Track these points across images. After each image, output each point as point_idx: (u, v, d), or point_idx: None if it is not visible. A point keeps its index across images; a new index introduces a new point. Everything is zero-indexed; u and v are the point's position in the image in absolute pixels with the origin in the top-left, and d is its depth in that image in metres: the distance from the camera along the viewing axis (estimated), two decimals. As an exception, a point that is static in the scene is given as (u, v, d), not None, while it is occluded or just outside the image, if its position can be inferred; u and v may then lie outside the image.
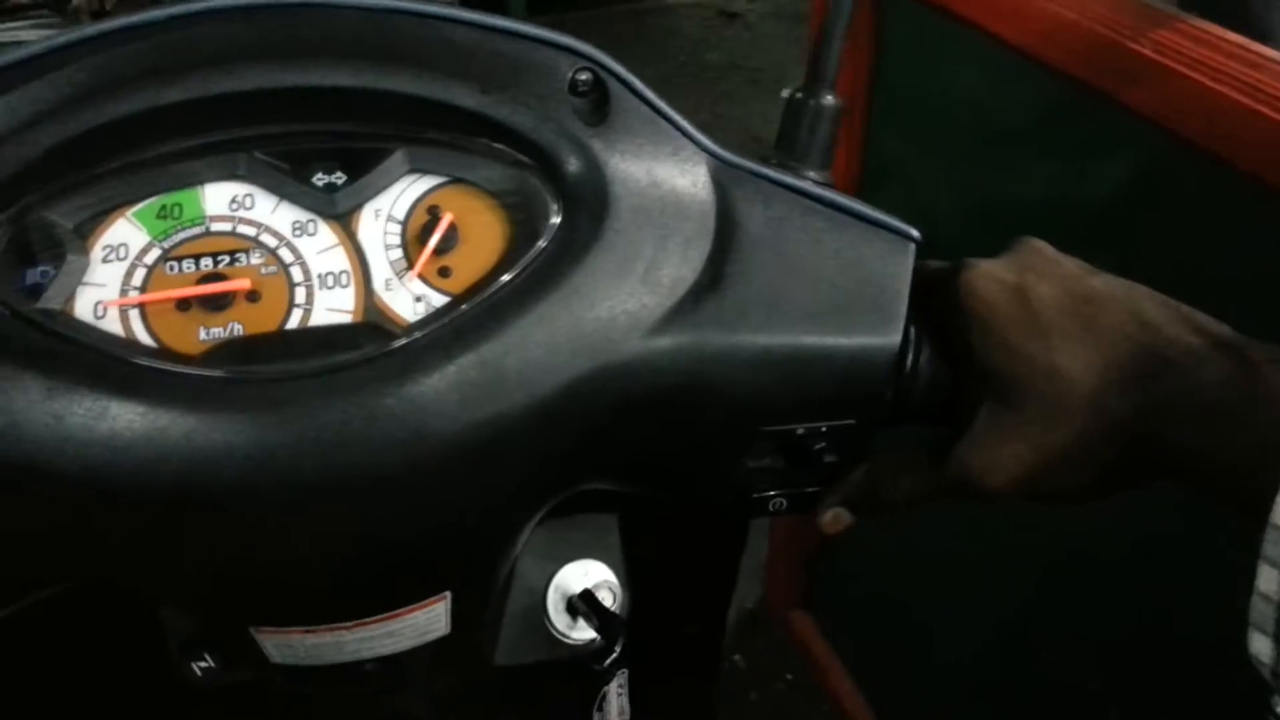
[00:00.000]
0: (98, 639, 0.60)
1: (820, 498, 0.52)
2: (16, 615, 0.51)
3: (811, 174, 0.50)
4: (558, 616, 0.61)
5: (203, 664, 0.57)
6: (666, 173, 0.46)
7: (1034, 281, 0.45)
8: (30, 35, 1.74)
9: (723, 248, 0.46)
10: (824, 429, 0.48)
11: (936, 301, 0.48)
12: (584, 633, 0.60)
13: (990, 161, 1.16)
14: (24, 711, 0.62)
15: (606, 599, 0.60)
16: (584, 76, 0.46)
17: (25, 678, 0.60)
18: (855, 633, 1.64)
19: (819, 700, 1.67)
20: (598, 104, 0.46)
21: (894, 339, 0.47)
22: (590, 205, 0.45)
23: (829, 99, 0.50)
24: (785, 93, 0.52)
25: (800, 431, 0.48)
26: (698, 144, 0.47)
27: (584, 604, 0.59)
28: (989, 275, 0.46)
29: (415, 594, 0.48)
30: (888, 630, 1.55)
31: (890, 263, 0.48)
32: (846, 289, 0.47)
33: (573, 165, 0.45)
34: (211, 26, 0.43)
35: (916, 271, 0.48)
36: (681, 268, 0.45)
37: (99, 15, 2.10)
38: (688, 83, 3.77)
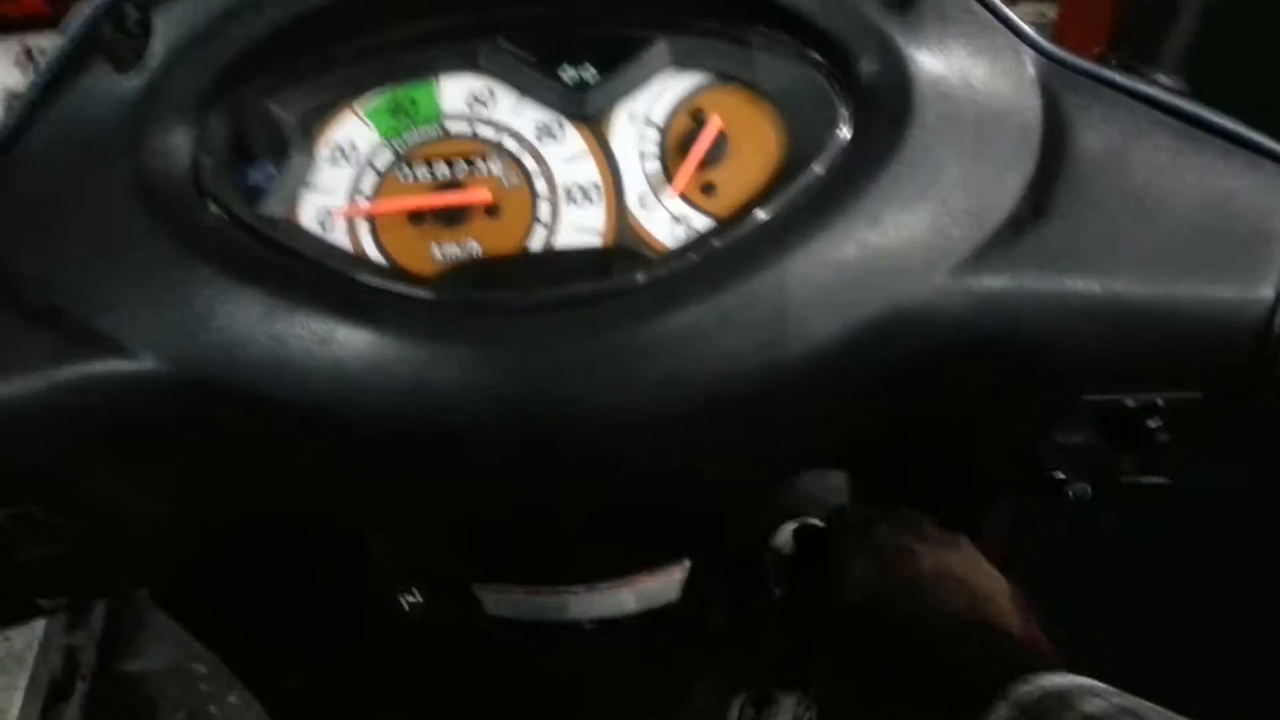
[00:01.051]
0: (303, 553, 0.58)
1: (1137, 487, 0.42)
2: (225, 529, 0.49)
3: (1163, 78, 0.40)
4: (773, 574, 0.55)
5: (410, 598, 0.54)
6: (984, 73, 0.37)
7: None
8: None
9: (1051, 170, 0.37)
10: (1160, 402, 0.39)
11: None
12: None
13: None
14: (228, 625, 0.61)
15: None
16: None
17: (231, 588, 0.59)
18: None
19: None
20: None
21: (1265, 294, 0.37)
22: (889, 112, 0.37)
23: None
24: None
25: (1130, 403, 0.39)
26: (1024, 38, 0.38)
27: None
28: None
29: (657, 558, 0.43)
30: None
31: (1264, 196, 0.38)
32: (1205, 227, 0.37)
33: (869, 62, 0.37)
34: None
35: None
36: (999, 193, 0.37)
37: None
38: None
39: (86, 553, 0.39)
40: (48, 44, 1.41)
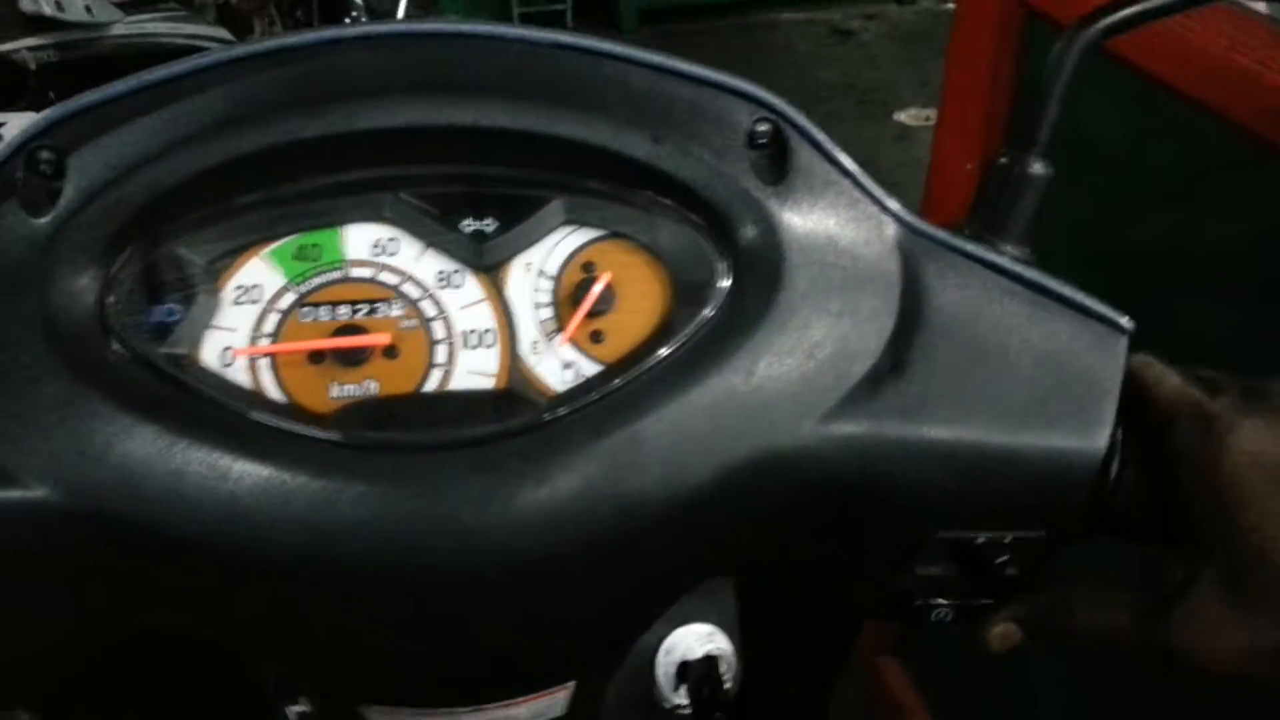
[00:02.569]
0: (189, 668, 0.57)
1: (992, 611, 0.46)
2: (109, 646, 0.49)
3: (1010, 249, 0.44)
4: (666, 682, 0.56)
5: (298, 709, 0.53)
6: (849, 239, 0.41)
7: None
8: (159, 28, 1.76)
9: (907, 327, 0.41)
10: (1008, 539, 0.43)
11: (1170, 439, 0.41)
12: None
13: (1147, 207, 1.08)
14: None
15: (719, 670, 0.55)
16: (763, 128, 0.41)
17: (115, 702, 0.58)
18: (948, 683, 1.56)
19: (905, 757, 1.60)
20: (776, 159, 0.41)
21: (1098, 445, 0.41)
22: (763, 272, 0.40)
23: (1038, 167, 0.45)
24: (1001, 160, 0.46)
25: (980, 540, 0.43)
26: (884, 208, 0.42)
27: (696, 675, 0.54)
28: (1259, 456, 0.39)
29: (541, 682, 0.44)
30: (984, 682, 1.47)
31: (1099, 357, 0.42)
32: (1046, 383, 0.41)
33: (746, 227, 0.40)
34: (363, 54, 0.39)
35: (1137, 376, 0.42)
36: (860, 348, 0.40)
37: (223, 9, 2.12)
38: (796, 101, 3.70)
39: None
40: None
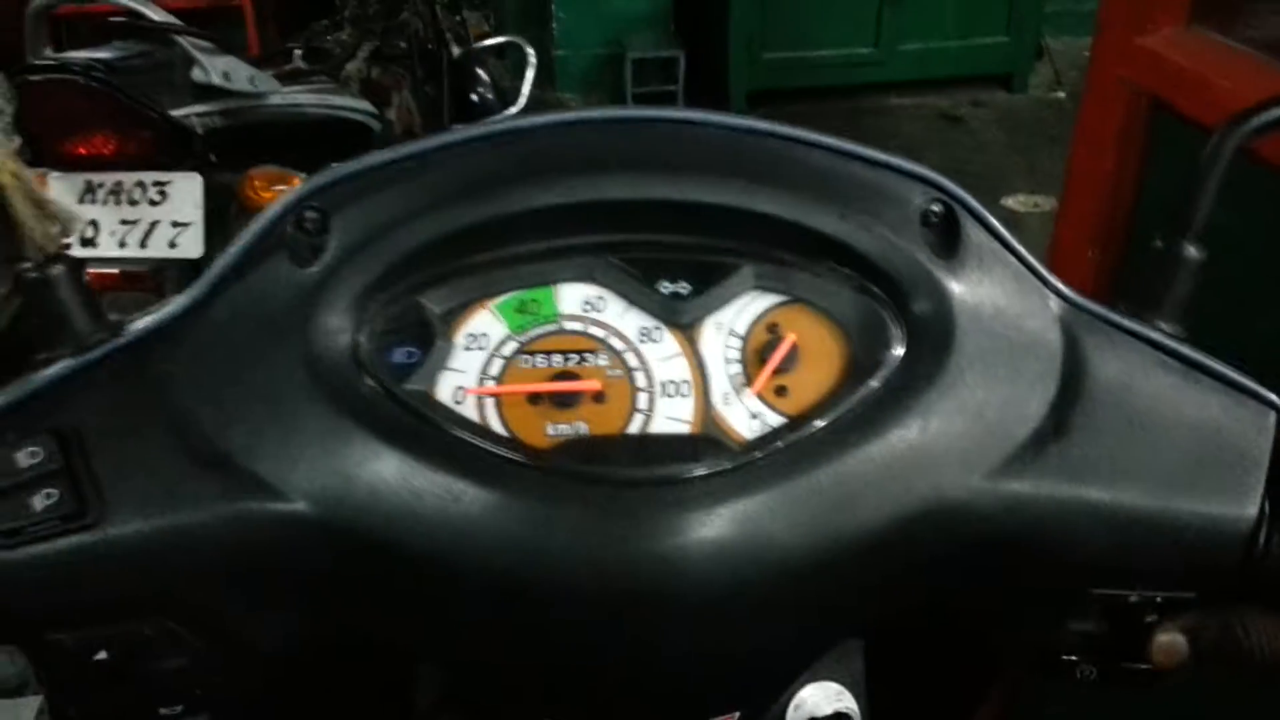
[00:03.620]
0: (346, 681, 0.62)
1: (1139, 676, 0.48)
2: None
3: (1164, 325, 0.47)
4: None
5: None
6: (1014, 312, 0.45)
7: None
8: (310, 99, 1.89)
9: (1068, 395, 0.44)
10: (1159, 599, 0.45)
11: None
12: None
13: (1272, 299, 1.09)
14: None
15: None
16: (936, 208, 0.45)
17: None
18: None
19: None
20: (948, 236, 0.45)
21: (1248, 513, 0.44)
22: (935, 340, 0.44)
23: (1191, 251, 0.48)
24: (1157, 243, 0.49)
25: (1133, 599, 0.45)
26: (1047, 284, 0.46)
27: None
28: None
29: (711, 710, 0.48)
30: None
31: (1249, 429, 0.45)
32: (1198, 452, 0.44)
33: (920, 298, 0.44)
34: (583, 135, 0.45)
35: None
36: (1024, 412, 0.44)
37: (365, 82, 2.25)
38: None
39: (208, 666, 0.44)
40: (108, 180, 1.51)
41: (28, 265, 0.42)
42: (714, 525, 0.41)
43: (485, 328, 0.44)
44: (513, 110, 2.69)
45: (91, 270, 1.73)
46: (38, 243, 0.41)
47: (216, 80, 1.60)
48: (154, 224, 1.64)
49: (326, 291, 0.43)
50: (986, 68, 4.58)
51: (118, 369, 0.43)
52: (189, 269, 1.72)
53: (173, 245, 1.64)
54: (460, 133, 0.45)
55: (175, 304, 0.43)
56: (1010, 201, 3.62)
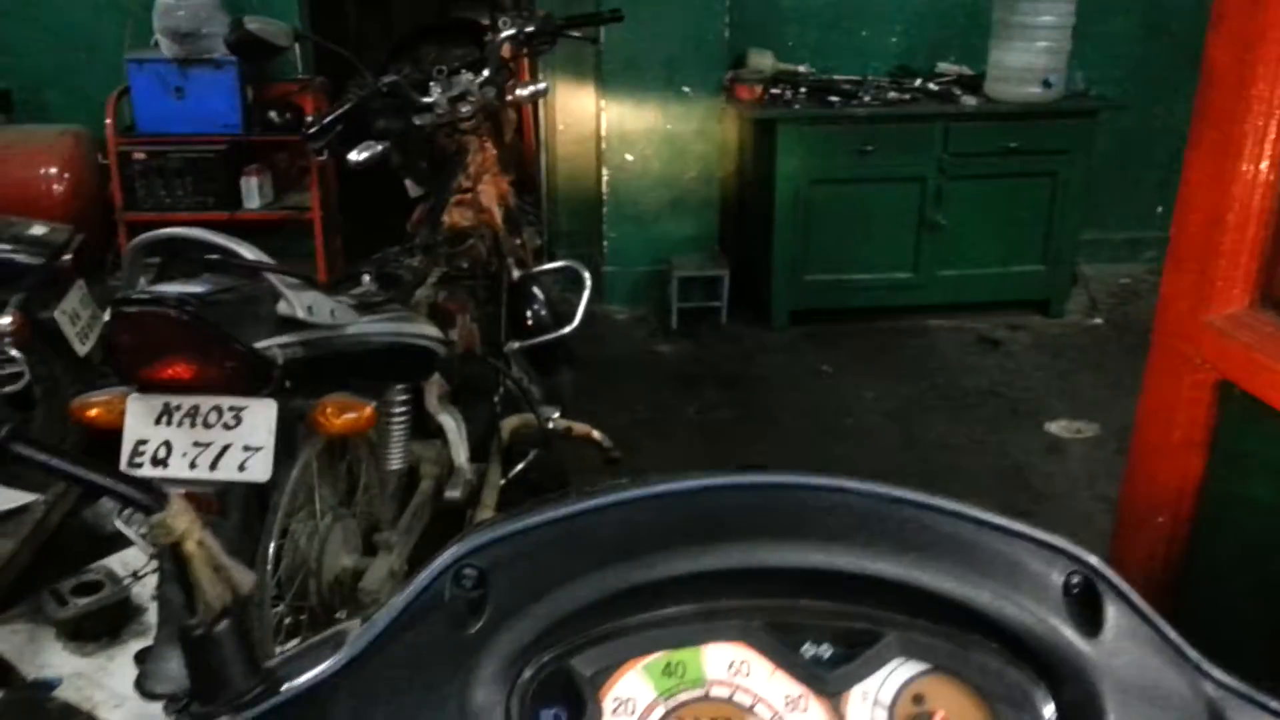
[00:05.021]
0: None
1: None
2: None
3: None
4: None
5: None
6: (1162, 690, 0.45)
7: None
8: (385, 327, 1.96)
9: None
10: None
11: None
12: None
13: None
14: None
15: None
16: (1076, 579, 0.46)
17: None
18: None
19: None
20: (1090, 610, 0.46)
21: None
22: (1084, 716, 0.44)
23: None
24: None
25: None
26: (1192, 662, 0.46)
27: None
28: None
29: None
30: None
31: None
32: None
33: (1068, 674, 0.45)
34: (733, 500, 0.47)
35: None
36: None
37: (435, 307, 2.34)
38: (941, 405, 3.77)
39: None
40: (185, 403, 1.55)
41: (194, 623, 0.44)
42: None
43: (633, 692, 0.45)
44: (567, 330, 2.78)
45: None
46: (209, 603, 0.43)
47: (300, 314, 1.67)
48: (226, 447, 1.68)
49: (482, 653, 0.43)
50: (1023, 294, 4.68)
51: None
52: (253, 492, 1.75)
53: (242, 468, 1.68)
54: (613, 494, 0.47)
55: (332, 661, 0.44)
56: (1053, 427, 3.62)
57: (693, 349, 4.38)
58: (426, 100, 2.45)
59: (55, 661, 2.59)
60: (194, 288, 1.63)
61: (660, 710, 0.44)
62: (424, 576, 0.45)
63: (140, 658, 1.75)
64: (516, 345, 2.76)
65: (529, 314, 2.87)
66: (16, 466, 0.46)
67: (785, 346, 4.37)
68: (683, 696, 0.45)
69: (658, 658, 0.45)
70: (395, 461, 2.22)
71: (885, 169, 4.35)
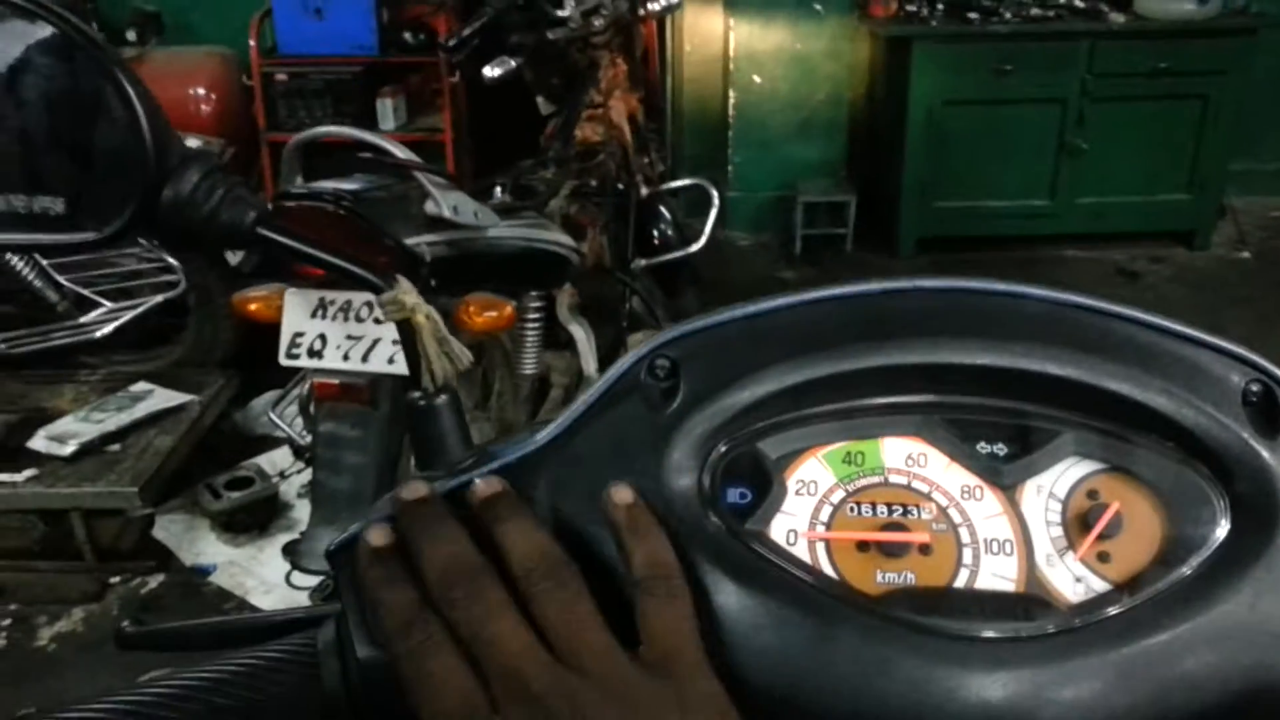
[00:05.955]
0: None
1: None
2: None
3: None
4: None
5: None
6: None
7: None
8: (523, 232, 2.01)
9: None
10: None
11: None
12: None
13: None
14: None
15: None
16: (1256, 387, 0.46)
17: None
18: None
19: None
20: (1270, 415, 0.46)
21: None
22: (1260, 517, 0.45)
23: None
24: None
25: None
26: None
27: None
28: None
29: None
30: None
31: None
32: None
33: (1244, 475, 0.45)
34: (917, 301, 0.48)
35: None
36: None
37: (566, 219, 2.38)
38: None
39: None
40: (339, 298, 1.61)
41: (418, 395, 0.48)
42: (1048, 685, 0.42)
43: (815, 475, 0.47)
44: (694, 248, 2.79)
45: (315, 380, 1.84)
46: (435, 376, 0.47)
47: (447, 213, 1.72)
48: (376, 341, 1.75)
49: (674, 434, 0.46)
50: (1166, 224, 4.49)
51: None
52: (400, 385, 1.83)
53: (390, 361, 1.75)
54: (800, 295, 0.49)
55: (539, 437, 0.48)
56: None
57: (816, 276, 4.35)
58: (561, 13, 2.46)
59: (210, 550, 2.78)
60: (347, 185, 1.70)
61: (840, 494, 0.46)
62: (621, 364, 0.48)
63: (288, 549, 1.86)
64: (644, 263, 2.79)
65: (656, 232, 2.89)
66: (257, 248, 0.50)
67: (911, 275, 4.30)
68: (862, 482, 0.47)
69: (838, 447, 0.47)
70: (528, 367, 2.29)
71: (1024, 90, 4.20)
